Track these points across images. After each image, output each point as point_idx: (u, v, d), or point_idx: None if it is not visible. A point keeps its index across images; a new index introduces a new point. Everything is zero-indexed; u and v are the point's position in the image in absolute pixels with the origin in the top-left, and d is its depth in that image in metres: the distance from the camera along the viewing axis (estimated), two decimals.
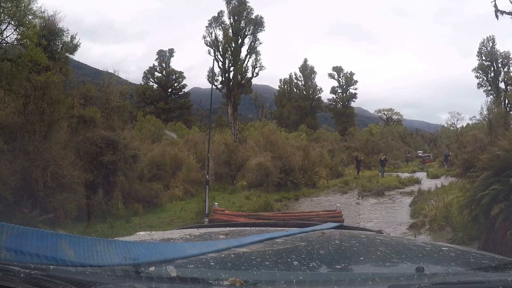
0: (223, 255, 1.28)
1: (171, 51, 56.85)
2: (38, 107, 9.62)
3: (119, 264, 1.06)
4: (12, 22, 9.94)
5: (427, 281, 1.07)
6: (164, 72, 55.62)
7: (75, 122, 12.10)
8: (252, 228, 2.08)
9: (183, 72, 57.68)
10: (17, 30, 10.12)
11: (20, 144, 9.04)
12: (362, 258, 1.40)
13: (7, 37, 10.15)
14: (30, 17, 10.28)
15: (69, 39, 14.98)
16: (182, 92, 57.38)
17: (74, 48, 15.09)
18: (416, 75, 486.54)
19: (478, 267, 1.28)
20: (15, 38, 10.24)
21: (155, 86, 55.25)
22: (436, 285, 1.06)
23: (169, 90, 55.94)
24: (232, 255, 1.28)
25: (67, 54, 14.73)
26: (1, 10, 9.93)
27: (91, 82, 18.05)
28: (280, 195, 17.21)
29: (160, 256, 1.15)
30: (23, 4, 9.72)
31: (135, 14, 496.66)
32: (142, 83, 55.42)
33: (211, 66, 43.76)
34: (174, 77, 56.21)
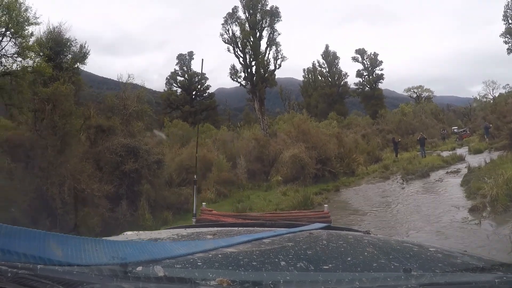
0: (210, 255, 1.26)
1: (190, 54, 56.62)
2: (49, 121, 8.99)
3: (106, 264, 1.04)
4: (8, 33, 9.36)
5: (414, 281, 1.06)
6: (186, 75, 55.46)
7: (93, 132, 11.50)
8: (239, 228, 2.08)
9: (205, 74, 57.36)
10: (15, 41, 9.51)
11: (32, 161, 8.40)
12: (349, 259, 1.34)
13: (2, 48, 9.53)
14: (26, 26, 9.65)
15: (78, 49, 14.47)
16: (206, 94, 57.11)
17: (83, 57, 14.56)
18: (440, 50, 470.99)
19: (465, 268, 1.26)
20: (15, 51, 9.64)
21: (179, 90, 55.18)
22: (423, 285, 1.04)
23: (193, 93, 55.74)
24: (220, 255, 1.27)
25: (77, 64, 14.21)
26: None
27: (113, 95, 17.64)
28: (318, 187, 16.21)
29: (147, 256, 1.14)
30: (14, 13, 9.06)
31: (152, 24, 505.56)
32: (166, 89, 55.44)
33: (232, 64, 42.92)
34: (196, 79, 55.88)
